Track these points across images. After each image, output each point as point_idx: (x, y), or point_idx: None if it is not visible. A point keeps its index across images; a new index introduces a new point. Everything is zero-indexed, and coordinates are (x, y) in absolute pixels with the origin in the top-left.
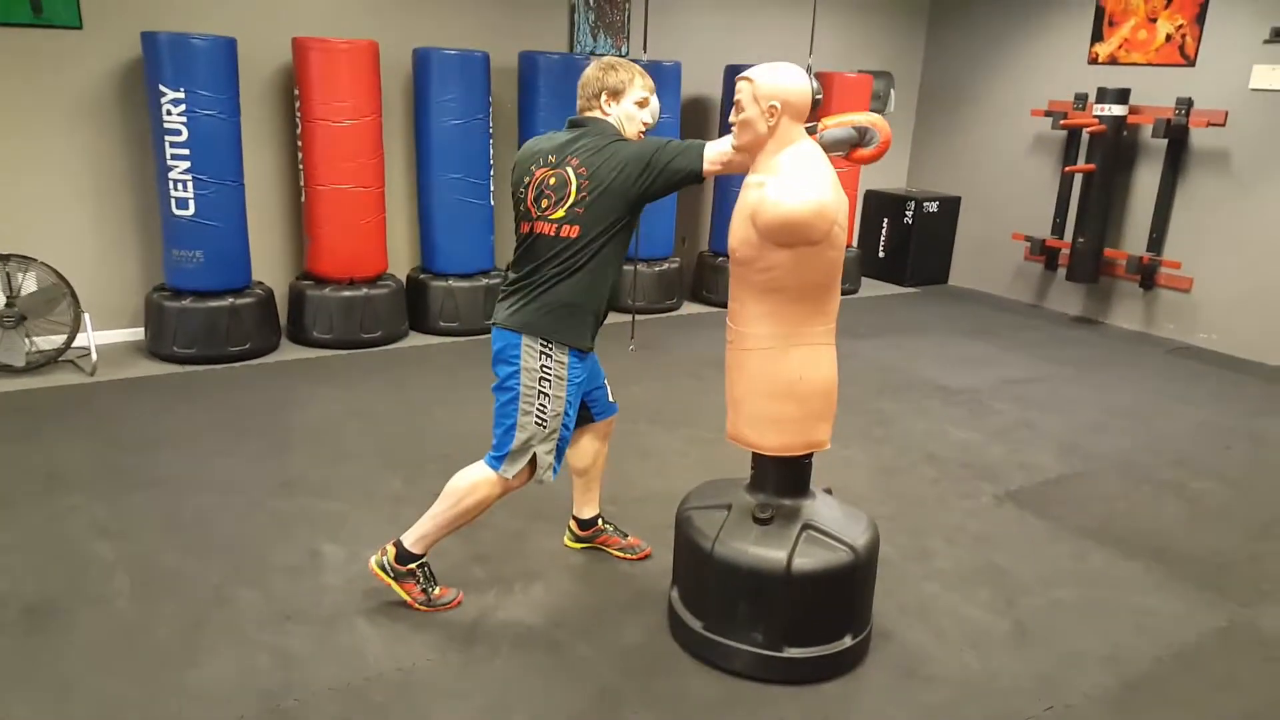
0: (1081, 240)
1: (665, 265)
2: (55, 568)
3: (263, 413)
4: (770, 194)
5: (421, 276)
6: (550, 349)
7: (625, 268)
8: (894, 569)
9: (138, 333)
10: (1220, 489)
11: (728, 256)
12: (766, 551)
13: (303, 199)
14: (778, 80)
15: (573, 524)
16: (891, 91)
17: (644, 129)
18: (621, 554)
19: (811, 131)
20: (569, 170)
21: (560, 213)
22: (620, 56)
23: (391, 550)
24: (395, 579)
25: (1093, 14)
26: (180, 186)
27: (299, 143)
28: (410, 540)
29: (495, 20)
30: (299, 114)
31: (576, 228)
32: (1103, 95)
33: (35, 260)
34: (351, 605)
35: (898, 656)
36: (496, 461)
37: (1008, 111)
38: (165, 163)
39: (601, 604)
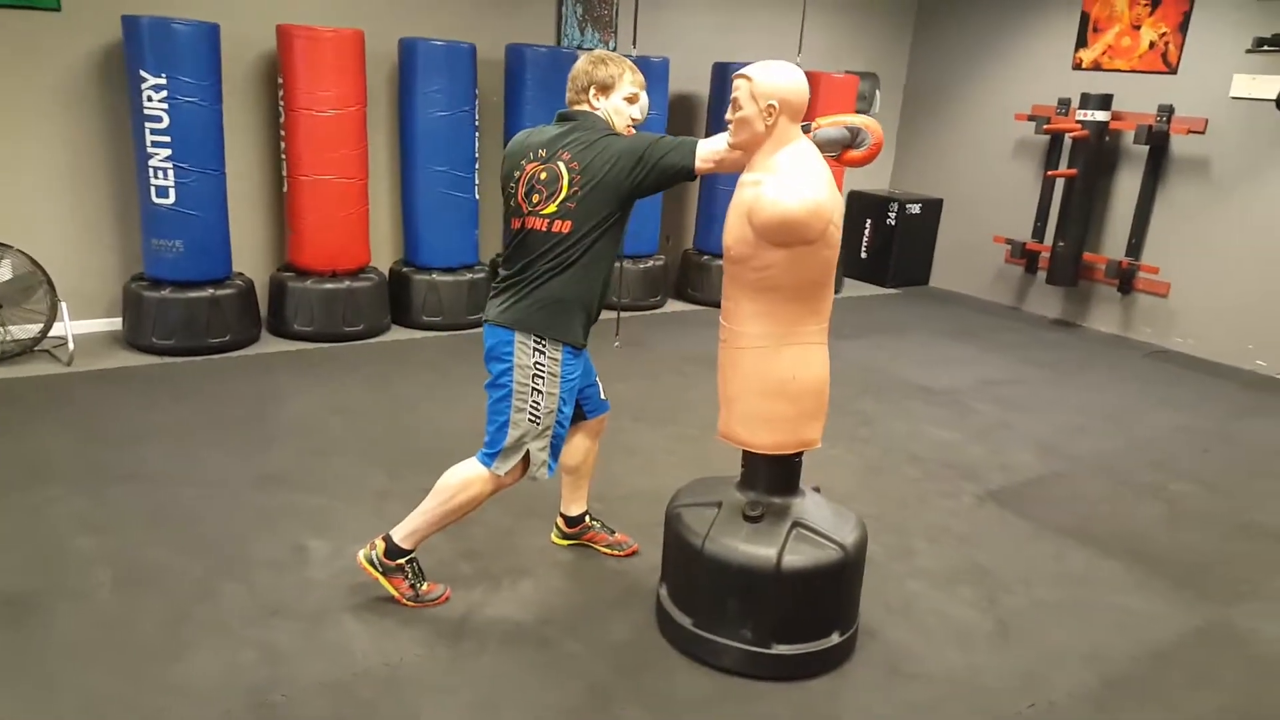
0: (1062, 244)
1: (650, 262)
2: (35, 561)
3: (244, 405)
4: (767, 193)
5: (404, 270)
6: (543, 345)
7: None
8: (879, 567)
9: (115, 323)
10: (1198, 491)
11: (713, 254)
12: (757, 549)
13: (285, 189)
14: (776, 79)
15: (560, 521)
16: (877, 93)
17: (633, 125)
18: (608, 550)
19: (805, 131)
20: (560, 164)
21: (552, 208)
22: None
23: (381, 545)
24: (383, 574)
25: (1077, 20)
26: (160, 175)
27: (282, 132)
28: (400, 535)
29: (482, 12)
30: (282, 103)
31: (569, 223)
32: (1086, 101)
33: (11, 247)
34: (338, 600)
35: (883, 654)
36: (489, 458)
37: (991, 115)
38: (145, 150)
39: (590, 600)
